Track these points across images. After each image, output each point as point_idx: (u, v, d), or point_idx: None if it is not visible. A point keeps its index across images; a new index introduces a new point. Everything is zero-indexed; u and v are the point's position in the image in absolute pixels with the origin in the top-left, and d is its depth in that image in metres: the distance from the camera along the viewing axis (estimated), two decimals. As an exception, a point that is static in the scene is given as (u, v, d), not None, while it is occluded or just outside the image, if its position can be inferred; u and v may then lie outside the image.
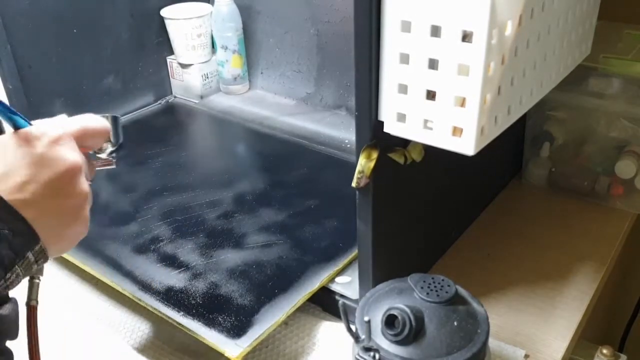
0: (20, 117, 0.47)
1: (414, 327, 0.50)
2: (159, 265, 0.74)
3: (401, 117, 0.52)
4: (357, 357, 0.52)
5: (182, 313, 0.67)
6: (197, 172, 0.96)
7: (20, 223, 0.45)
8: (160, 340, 0.69)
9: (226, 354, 0.62)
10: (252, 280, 0.71)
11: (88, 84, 1.07)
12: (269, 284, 0.70)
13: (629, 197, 0.84)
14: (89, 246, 0.78)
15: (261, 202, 0.86)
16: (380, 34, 0.51)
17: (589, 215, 0.85)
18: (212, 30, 1.16)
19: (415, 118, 0.51)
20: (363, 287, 0.66)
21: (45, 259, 0.49)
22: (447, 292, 0.53)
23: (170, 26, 1.15)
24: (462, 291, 0.56)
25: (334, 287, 0.70)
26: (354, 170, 0.57)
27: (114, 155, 0.58)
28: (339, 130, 1.05)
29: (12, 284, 0.45)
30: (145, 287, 0.71)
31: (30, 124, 0.48)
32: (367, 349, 0.51)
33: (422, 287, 0.53)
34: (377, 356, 0.51)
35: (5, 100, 0.93)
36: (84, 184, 0.50)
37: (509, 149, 0.90)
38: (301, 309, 0.69)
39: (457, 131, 0.50)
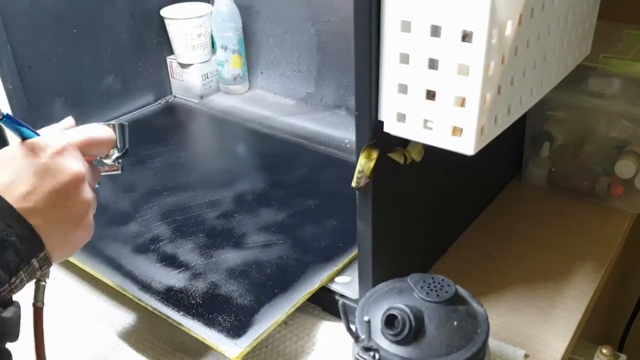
0: (27, 128, 0.49)
1: (413, 327, 0.50)
2: (159, 265, 0.74)
3: (401, 117, 0.52)
4: (357, 357, 0.52)
5: (182, 313, 0.67)
6: (197, 172, 0.96)
7: (27, 230, 0.46)
8: (160, 340, 0.69)
9: (226, 354, 0.62)
10: (252, 280, 0.71)
11: (88, 84, 1.07)
12: (269, 284, 0.70)
13: (628, 197, 0.84)
14: (89, 246, 0.77)
15: (261, 202, 0.86)
16: (380, 34, 0.51)
17: (588, 215, 0.85)
18: (212, 30, 1.16)
19: (415, 118, 0.51)
20: (363, 287, 0.66)
21: (49, 265, 0.50)
22: (447, 292, 0.53)
23: (170, 26, 1.15)
24: (462, 291, 0.56)
25: (334, 287, 0.70)
26: (354, 170, 0.57)
27: (119, 161, 0.60)
28: (339, 130, 1.05)
29: (16, 289, 0.47)
30: (145, 287, 0.71)
31: (37, 134, 0.50)
32: (367, 349, 0.51)
33: (422, 287, 0.53)
34: (377, 356, 0.51)
35: (5, 100, 0.94)
36: (88, 193, 0.51)
37: (509, 149, 0.90)
38: (301, 309, 0.68)
39: (457, 131, 0.50)
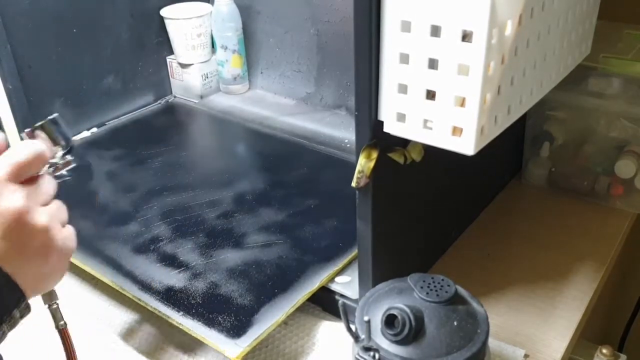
0: None
1: (413, 327, 0.50)
2: (159, 265, 0.74)
3: (401, 117, 0.52)
4: (357, 357, 0.52)
5: (182, 313, 0.67)
6: (197, 172, 0.96)
7: (3, 279, 0.45)
8: (160, 340, 0.69)
9: (226, 354, 0.62)
10: (252, 280, 0.71)
11: (88, 84, 1.07)
12: (269, 284, 0.70)
13: (628, 197, 0.84)
14: (89, 246, 0.78)
15: (261, 202, 0.86)
16: (380, 34, 0.51)
17: (588, 215, 0.85)
18: (212, 30, 1.16)
19: (415, 118, 0.51)
20: (363, 287, 0.66)
21: (29, 311, 0.49)
22: (447, 292, 0.53)
23: (170, 26, 1.15)
24: (462, 291, 0.56)
25: (334, 286, 0.70)
26: (354, 170, 0.57)
27: (69, 155, 0.55)
28: (339, 130, 1.05)
29: None
30: (145, 287, 0.71)
31: None
32: (367, 349, 0.51)
33: (422, 287, 0.53)
34: (376, 356, 0.51)
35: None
36: (40, 218, 0.48)
37: (509, 149, 0.90)
38: (301, 309, 0.68)
39: (457, 131, 0.50)
